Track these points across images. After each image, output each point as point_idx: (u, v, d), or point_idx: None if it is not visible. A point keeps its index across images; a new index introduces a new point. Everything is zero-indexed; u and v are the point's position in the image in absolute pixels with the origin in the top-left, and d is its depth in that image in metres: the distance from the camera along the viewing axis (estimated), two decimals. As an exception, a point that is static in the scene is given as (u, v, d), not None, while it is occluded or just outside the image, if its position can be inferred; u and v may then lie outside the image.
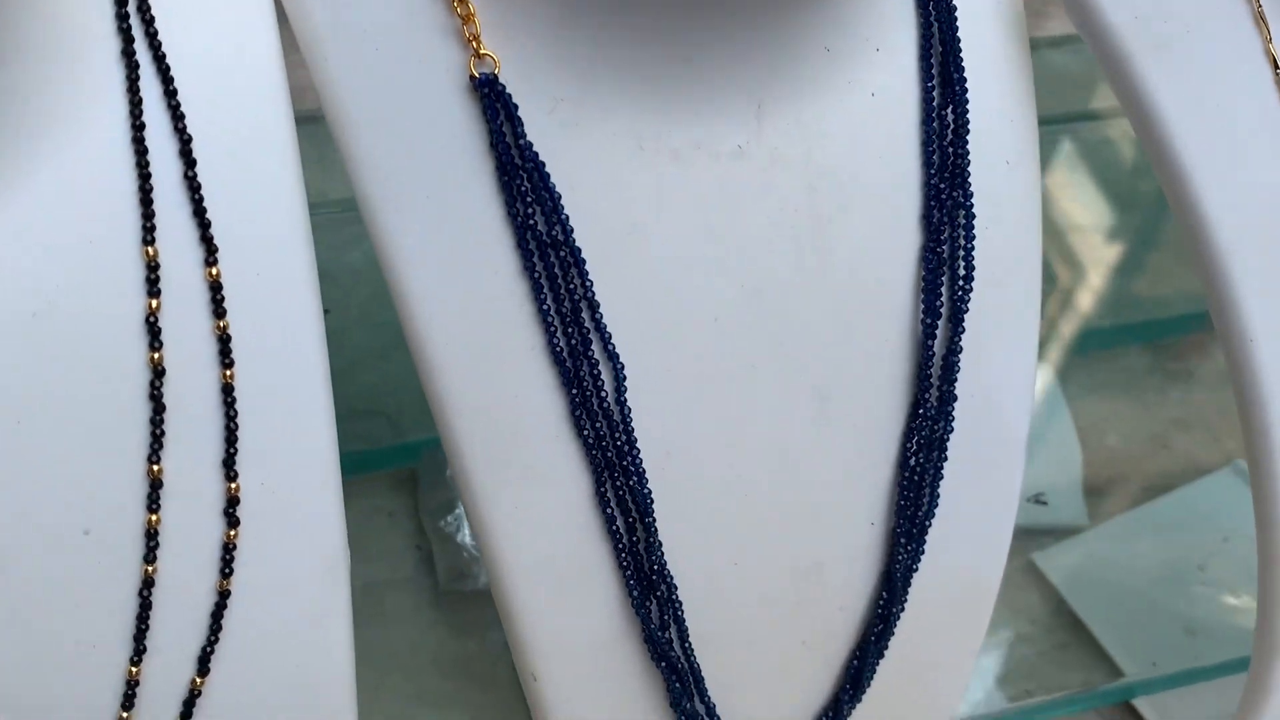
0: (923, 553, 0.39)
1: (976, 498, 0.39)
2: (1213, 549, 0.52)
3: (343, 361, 0.57)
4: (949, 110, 0.36)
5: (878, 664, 0.40)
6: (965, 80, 0.36)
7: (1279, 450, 0.37)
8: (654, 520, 0.35)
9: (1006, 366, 0.39)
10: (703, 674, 0.38)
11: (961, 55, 0.36)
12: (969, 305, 0.37)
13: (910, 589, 0.39)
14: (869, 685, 0.40)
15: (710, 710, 0.38)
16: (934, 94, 0.36)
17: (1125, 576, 0.53)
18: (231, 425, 0.32)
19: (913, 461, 0.38)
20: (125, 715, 0.33)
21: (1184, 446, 0.59)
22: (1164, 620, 0.50)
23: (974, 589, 0.41)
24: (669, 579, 0.36)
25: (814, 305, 0.36)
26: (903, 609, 0.39)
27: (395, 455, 0.55)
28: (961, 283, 0.37)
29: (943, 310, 0.37)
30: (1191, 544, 0.53)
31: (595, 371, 0.34)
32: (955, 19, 0.36)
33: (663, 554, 0.36)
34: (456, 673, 0.49)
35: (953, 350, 0.37)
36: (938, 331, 0.37)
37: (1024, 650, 0.51)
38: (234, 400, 0.32)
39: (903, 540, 0.38)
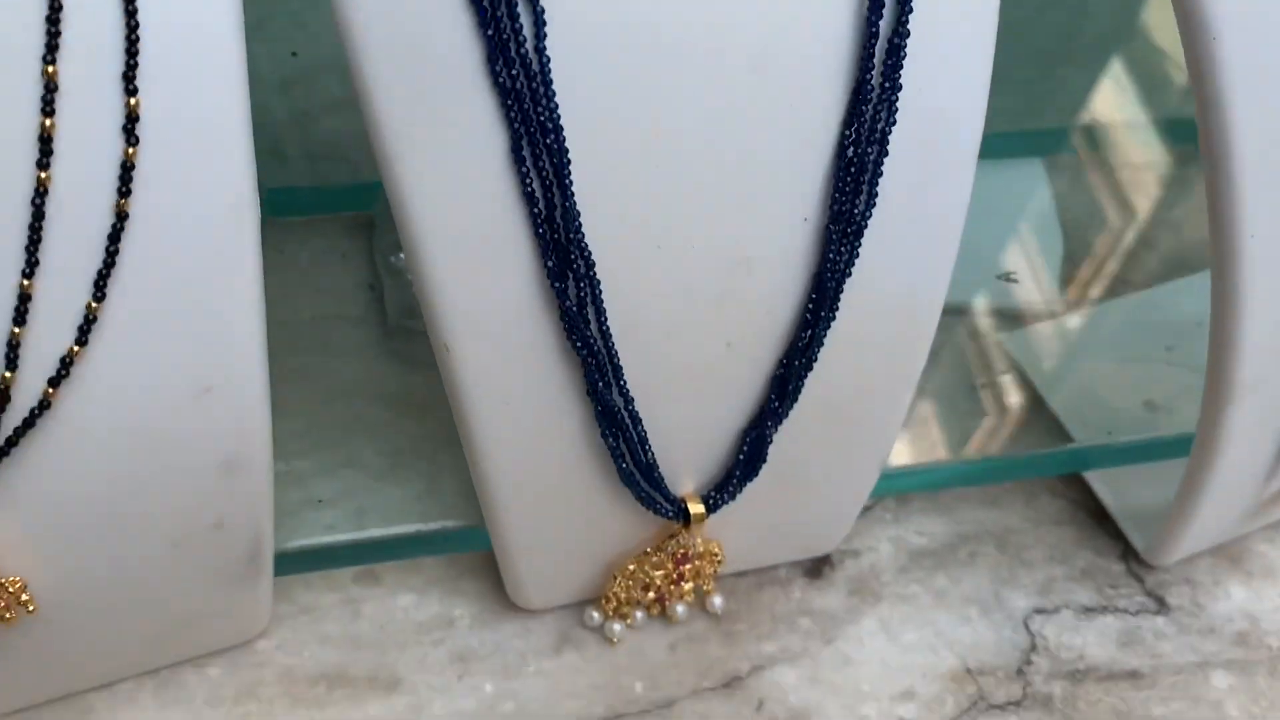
0: (857, 256, 0.37)
1: (919, 204, 0.38)
2: (1184, 332, 0.50)
3: (308, 105, 0.57)
4: None
5: (806, 375, 0.39)
6: None
7: (1236, 154, 0.36)
8: (571, 182, 0.34)
9: (958, 64, 0.37)
10: (621, 363, 0.37)
11: None
12: (919, -14, 0.35)
13: (843, 297, 0.38)
14: (796, 399, 0.39)
15: (628, 401, 0.37)
16: None
17: (1091, 356, 0.51)
18: (133, 36, 0.31)
19: (850, 152, 0.36)
20: (18, 330, 0.32)
21: (1171, 246, 0.57)
22: (1124, 395, 0.49)
23: (911, 309, 0.39)
24: (586, 253, 0.35)
25: (753, -29, 0.34)
26: (833, 316, 0.38)
27: (353, 197, 0.55)
28: (913, -39, 0.35)
29: (891, -10, 0.35)
30: (1163, 328, 0.51)
31: (514, 13, 0.32)
32: None
33: (580, 225, 0.35)
34: (397, 404, 0.49)
35: (899, 32, 0.35)
36: (885, 10, 0.35)
37: (977, 422, 0.49)
38: (135, 10, 0.31)
39: (836, 239, 0.37)
